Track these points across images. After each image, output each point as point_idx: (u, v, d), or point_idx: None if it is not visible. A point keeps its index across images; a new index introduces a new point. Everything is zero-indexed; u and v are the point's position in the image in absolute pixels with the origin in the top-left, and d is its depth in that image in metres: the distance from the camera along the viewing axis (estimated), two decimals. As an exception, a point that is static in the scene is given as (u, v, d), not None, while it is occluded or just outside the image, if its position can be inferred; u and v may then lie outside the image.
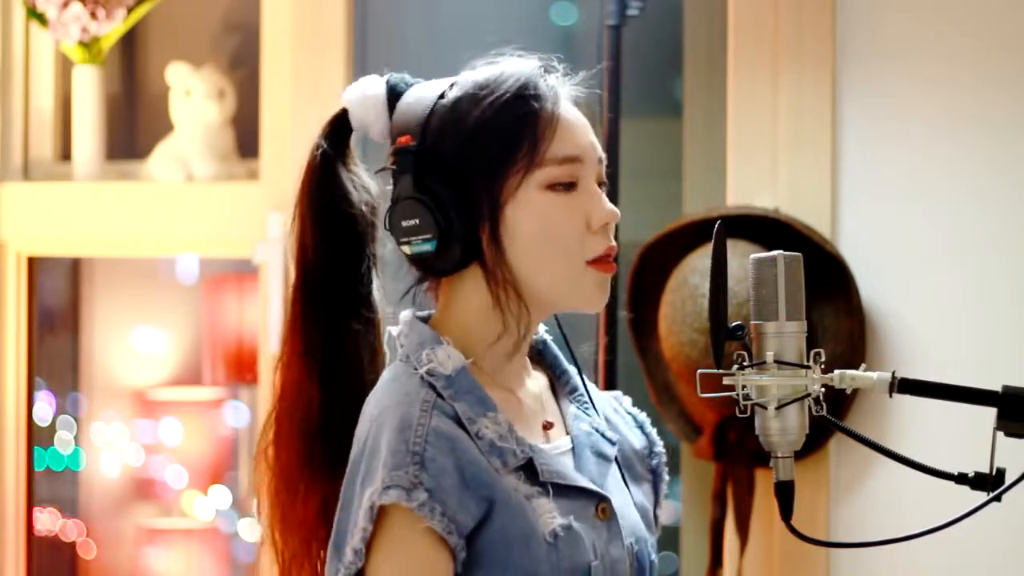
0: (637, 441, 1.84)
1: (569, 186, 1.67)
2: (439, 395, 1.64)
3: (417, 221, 1.66)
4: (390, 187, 1.71)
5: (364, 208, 1.75)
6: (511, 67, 1.70)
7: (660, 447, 1.86)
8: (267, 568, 1.80)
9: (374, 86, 1.74)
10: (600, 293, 1.69)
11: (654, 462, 1.85)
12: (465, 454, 1.60)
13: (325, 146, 1.74)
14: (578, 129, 1.69)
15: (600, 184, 1.70)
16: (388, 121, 1.72)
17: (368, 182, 1.76)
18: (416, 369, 1.66)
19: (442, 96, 1.69)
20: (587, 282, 1.68)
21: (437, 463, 1.58)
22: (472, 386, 1.65)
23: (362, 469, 1.61)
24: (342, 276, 1.74)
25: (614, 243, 1.69)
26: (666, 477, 1.86)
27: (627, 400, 1.89)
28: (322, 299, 1.73)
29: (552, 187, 1.66)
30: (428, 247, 1.67)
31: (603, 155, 1.71)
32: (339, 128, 1.75)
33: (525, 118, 1.66)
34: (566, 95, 1.71)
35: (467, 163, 1.66)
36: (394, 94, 1.73)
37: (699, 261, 2.83)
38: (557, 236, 1.66)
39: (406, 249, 1.69)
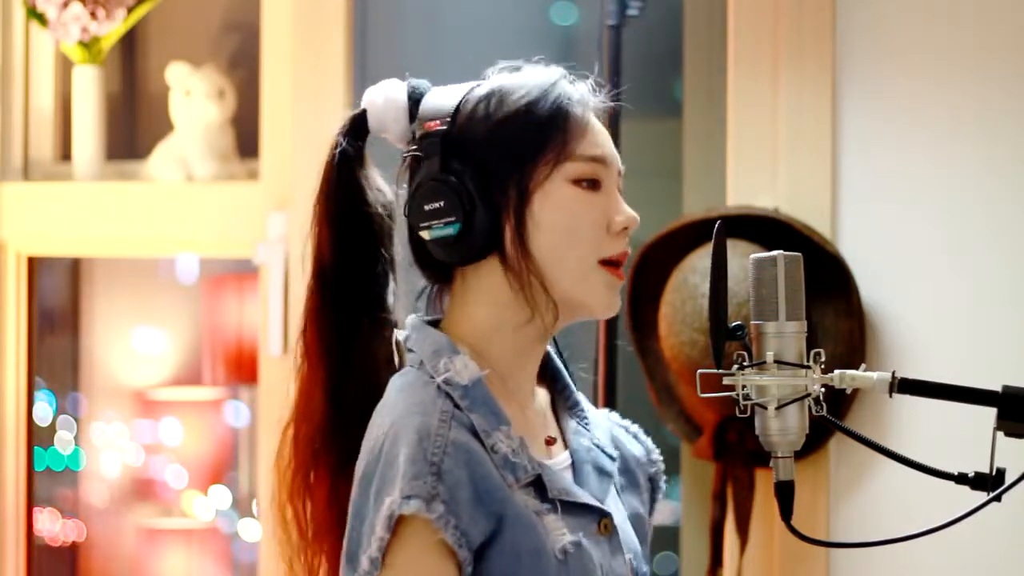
0: (637, 451, 1.85)
1: (594, 184, 1.68)
2: (456, 405, 1.63)
3: (441, 204, 1.66)
4: (403, 190, 1.72)
5: (380, 209, 1.75)
6: (541, 72, 1.72)
7: (657, 455, 1.86)
8: (267, 569, 1.79)
9: (395, 89, 1.75)
10: (610, 295, 1.69)
11: (652, 470, 1.85)
12: (480, 467, 1.59)
13: (344, 145, 1.74)
14: (604, 136, 1.72)
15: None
16: (407, 124, 1.73)
17: (383, 185, 1.76)
18: (432, 377, 1.65)
19: (472, 90, 1.71)
20: (597, 281, 1.68)
21: (453, 475, 1.57)
22: (487, 398, 1.64)
23: (377, 478, 1.59)
24: (358, 275, 1.73)
25: (628, 249, 1.70)
26: (663, 486, 1.86)
27: (615, 415, 1.89)
28: (338, 297, 1.73)
29: (578, 182, 1.67)
30: (450, 231, 1.66)
31: (622, 168, 1.73)
32: (357, 129, 1.75)
33: (558, 113, 1.68)
34: (593, 106, 1.72)
35: (498, 149, 1.66)
36: (414, 97, 1.73)
37: (699, 261, 2.83)
38: (578, 231, 1.66)
39: (425, 234, 1.68)
